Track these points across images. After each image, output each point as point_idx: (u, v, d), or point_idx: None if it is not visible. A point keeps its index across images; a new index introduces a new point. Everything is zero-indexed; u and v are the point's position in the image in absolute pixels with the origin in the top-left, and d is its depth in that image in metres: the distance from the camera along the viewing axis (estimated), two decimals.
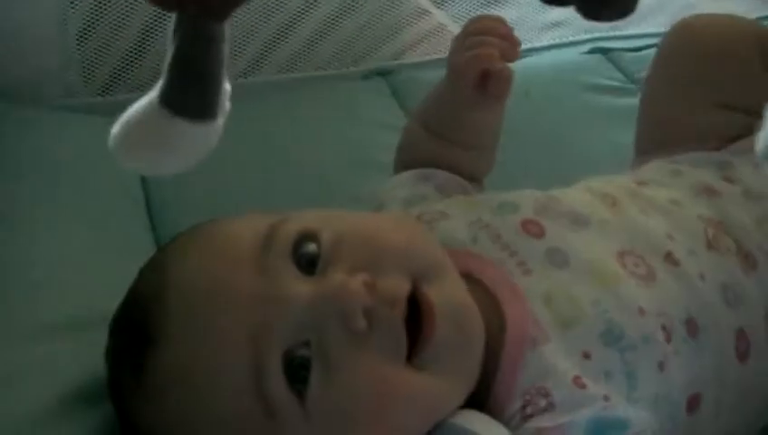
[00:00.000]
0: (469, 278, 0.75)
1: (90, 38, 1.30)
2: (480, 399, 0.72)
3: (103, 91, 1.34)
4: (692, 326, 0.76)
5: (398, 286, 0.67)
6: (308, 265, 0.68)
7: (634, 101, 1.36)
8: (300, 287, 0.66)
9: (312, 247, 0.68)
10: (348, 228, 0.70)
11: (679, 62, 1.05)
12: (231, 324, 0.65)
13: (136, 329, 0.69)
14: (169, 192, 1.11)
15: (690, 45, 1.04)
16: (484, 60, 0.84)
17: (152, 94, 0.62)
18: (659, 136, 1.04)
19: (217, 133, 0.64)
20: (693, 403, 0.75)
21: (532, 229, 0.79)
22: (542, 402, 0.70)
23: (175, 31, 0.60)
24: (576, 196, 0.85)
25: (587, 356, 0.72)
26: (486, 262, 0.77)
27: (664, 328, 0.75)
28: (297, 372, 0.64)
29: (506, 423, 0.70)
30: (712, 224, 0.84)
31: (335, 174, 1.17)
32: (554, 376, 0.70)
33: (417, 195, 0.89)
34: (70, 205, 1.01)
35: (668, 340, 0.74)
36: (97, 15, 1.29)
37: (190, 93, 0.61)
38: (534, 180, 0.89)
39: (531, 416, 0.70)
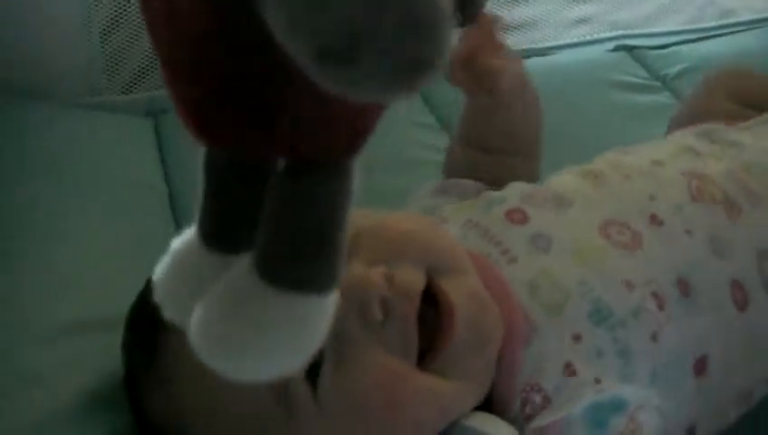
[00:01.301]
0: None
1: (113, 37, 1.31)
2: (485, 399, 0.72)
3: (127, 90, 1.34)
4: (684, 286, 0.76)
5: (415, 280, 0.67)
6: None
7: (658, 97, 1.36)
8: None
9: None
10: (366, 223, 0.70)
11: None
12: None
13: (149, 316, 0.70)
14: (193, 188, 1.11)
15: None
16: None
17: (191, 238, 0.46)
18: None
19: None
20: (700, 366, 0.75)
21: (516, 217, 0.79)
22: (538, 398, 0.70)
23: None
24: (560, 179, 0.86)
25: (577, 338, 0.72)
26: (475, 257, 0.76)
27: (655, 295, 0.74)
28: (311, 362, 0.64)
29: (511, 423, 0.70)
30: (695, 176, 0.84)
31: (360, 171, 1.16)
32: (545, 370, 0.71)
33: (430, 206, 0.90)
34: (93, 202, 1.01)
35: (661, 307, 0.74)
36: (120, 14, 1.30)
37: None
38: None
39: (531, 416, 0.70)
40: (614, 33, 1.54)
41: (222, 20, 0.35)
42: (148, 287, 0.73)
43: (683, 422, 0.75)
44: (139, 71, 1.34)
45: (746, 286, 0.78)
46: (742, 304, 0.78)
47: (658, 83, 1.40)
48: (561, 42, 1.53)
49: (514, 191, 0.84)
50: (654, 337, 0.73)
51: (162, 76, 0.39)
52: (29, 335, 0.80)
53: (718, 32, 1.55)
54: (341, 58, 0.30)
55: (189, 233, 0.46)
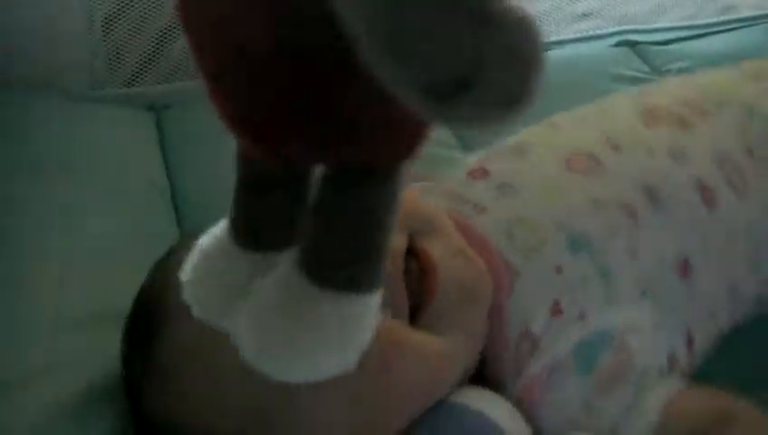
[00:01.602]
0: None
1: (116, 30, 1.30)
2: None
3: (129, 83, 1.34)
4: (650, 192, 0.78)
5: (396, 241, 0.68)
6: None
7: None
8: None
9: None
10: None
11: None
12: None
13: (149, 308, 0.70)
14: (195, 184, 1.11)
15: None
16: None
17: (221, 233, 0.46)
18: None
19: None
20: (683, 268, 0.76)
21: (478, 175, 0.81)
22: (527, 346, 0.71)
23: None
24: (516, 136, 0.87)
25: (559, 270, 0.73)
26: (450, 217, 0.77)
27: (624, 206, 0.76)
28: None
29: (506, 386, 0.71)
30: (644, 104, 0.88)
31: None
32: (532, 311, 0.71)
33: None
34: (93, 197, 1.01)
35: (632, 215, 0.76)
36: (123, 7, 1.30)
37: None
38: None
39: (521, 372, 0.71)
40: (617, 29, 1.53)
41: (291, 37, 0.35)
42: (148, 282, 0.73)
43: (680, 330, 0.76)
44: (141, 64, 1.34)
45: (710, 185, 0.80)
46: (709, 201, 0.79)
47: (660, 79, 1.40)
48: (564, 37, 1.53)
49: (473, 157, 0.87)
50: (632, 253, 0.75)
51: (208, 92, 0.38)
52: (34, 329, 0.80)
53: (720, 28, 1.55)
54: (447, 94, 0.29)
55: (216, 230, 0.46)
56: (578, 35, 1.54)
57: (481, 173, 0.81)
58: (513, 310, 0.72)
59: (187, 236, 0.76)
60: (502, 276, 0.73)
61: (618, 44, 1.50)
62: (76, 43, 1.27)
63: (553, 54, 1.45)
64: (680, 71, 1.40)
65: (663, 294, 0.75)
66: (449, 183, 0.82)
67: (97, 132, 1.14)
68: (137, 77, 1.34)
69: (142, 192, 1.07)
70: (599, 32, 1.54)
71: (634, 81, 1.39)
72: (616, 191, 0.77)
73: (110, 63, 1.32)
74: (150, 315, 0.69)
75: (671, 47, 1.48)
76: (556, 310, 0.71)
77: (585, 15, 1.55)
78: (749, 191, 0.82)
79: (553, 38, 1.51)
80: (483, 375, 0.73)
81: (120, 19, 1.30)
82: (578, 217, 0.76)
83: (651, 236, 0.76)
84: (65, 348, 0.79)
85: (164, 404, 0.69)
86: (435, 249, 0.69)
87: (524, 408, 0.70)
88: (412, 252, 0.69)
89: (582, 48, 1.49)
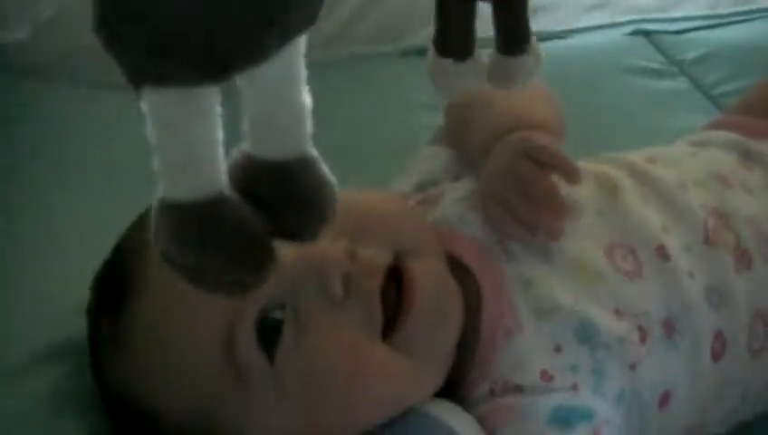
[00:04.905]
0: (455, 262, 0.75)
1: None
2: (449, 383, 0.72)
3: None
4: (669, 327, 0.75)
5: (379, 257, 0.68)
6: None
7: (674, 83, 1.36)
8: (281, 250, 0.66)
9: None
10: (340, 198, 0.70)
11: None
12: None
13: (117, 281, 0.70)
14: None
15: None
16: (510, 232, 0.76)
17: None
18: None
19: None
20: (664, 399, 0.75)
21: None
22: (508, 386, 0.71)
23: None
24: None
25: (558, 349, 0.72)
26: (473, 246, 0.76)
27: (640, 329, 0.74)
28: (270, 334, 0.65)
29: (474, 404, 0.71)
30: (715, 215, 0.80)
31: (372, 154, 1.16)
32: (523, 370, 0.71)
33: (432, 174, 0.89)
34: (102, 187, 1.01)
35: (643, 340, 0.74)
36: None
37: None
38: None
39: (496, 395, 0.71)
40: (631, 18, 1.52)
41: None
42: (116, 250, 0.73)
43: None
44: None
45: (729, 340, 0.77)
46: (718, 354, 0.76)
47: (675, 69, 1.39)
48: (579, 25, 1.52)
49: None
50: (632, 366, 0.73)
51: None
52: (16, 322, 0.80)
53: (735, 18, 1.54)
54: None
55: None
56: (592, 24, 1.52)
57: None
58: (506, 354, 0.72)
59: None
60: (504, 314, 0.73)
61: (632, 33, 1.49)
62: (86, 29, 1.26)
63: (567, 43, 1.44)
64: (695, 60, 1.39)
65: (637, 412, 0.74)
66: None
67: (107, 118, 1.14)
68: None
69: (150, 178, 1.06)
70: (612, 20, 1.53)
71: (648, 71, 1.38)
72: (640, 310, 0.74)
73: None
74: (123, 279, 0.69)
75: (686, 36, 1.47)
76: (547, 377, 0.71)
77: (598, 6, 1.53)
78: (761, 358, 0.79)
79: (567, 27, 1.50)
80: (451, 379, 0.73)
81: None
82: (596, 312, 0.73)
83: (651, 364, 0.74)
84: (53, 338, 0.78)
85: (121, 376, 0.69)
86: (419, 271, 0.69)
87: (486, 427, 0.70)
88: (394, 269, 0.69)
89: (596, 37, 1.48)
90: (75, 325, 0.75)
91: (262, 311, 0.65)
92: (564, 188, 0.77)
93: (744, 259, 0.79)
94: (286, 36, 0.37)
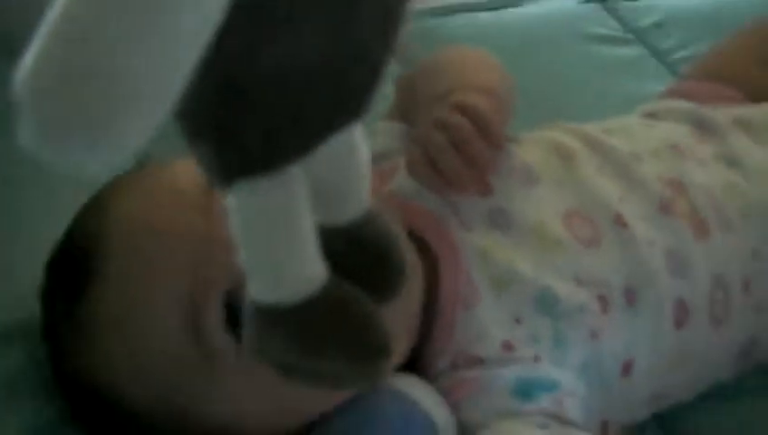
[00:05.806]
0: (411, 234, 0.74)
1: None
2: (411, 359, 0.72)
3: None
4: (630, 296, 0.75)
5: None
6: None
7: (631, 50, 1.35)
8: None
9: None
10: None
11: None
12: (172, 262, 0.64)
13: (74, 266, 0.68)
14: None
15: None
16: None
17: None
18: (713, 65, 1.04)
19: None
20: (626, 368, 0.75)
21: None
22: (469, 359, 0.71)
23: None
24: (534, 150, 0.83)
25: (518, 320, 0.72)
26: (429, 218, 0.76)
27: (601, 298, 0.74)
28: (237, 315, 0.64)
29: (436, 378, 0.71)
30: (671, 185, 0.81)
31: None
32: (484, 341, 0.71)
33: (388, 149, 0.87)
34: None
35: (604, 310, 0.74)
36: None
37: None
38: (531, 131, 0.88)
39: (458, 367, 0.71)
40: None
41: None
42: (70, 234, 0.71)
43: (600, 415, 0.75)
44: None
45: (690, 308, 0.77)
46: (680, 323, 0.77)
47: (631, 36, 1.39)
48: None
49: None
50: (594, 335, 0.73)
51: None
52: None
53: None
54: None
55: None
56: None
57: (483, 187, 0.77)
58: (466, 325, 0.72)
59: (120, 177, 0.71)
60: (460, 286, 0.73)
61: (587, 1, 1.49)
62: None
63: (522, 12, 1.43)
64: (651, 27, 1.39)
65: (599, 382, 0.74)
66: None
67: None
68: None
69: None
70: None
71: (603, 39, 1.38)
72: (600, 279, 0.75)
73: None
74: (80, 264, 0.67)
75: (642, 2, 1.46)
76: (507, 347, 0.71)
77: None
78: (722, 327, 0.79)
79: None
80: (414, 355, 0.73)
81: None
82: (555, 281, 0.73)
83: (613, 332, 0.74)
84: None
85: (82, 362, 0.67)
86: None
87: (449, 400, 0.70)
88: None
89: (551, 4, 1.47)
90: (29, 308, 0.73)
91: (227, 292, 0.63)
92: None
93: (701, 228, 0.80)
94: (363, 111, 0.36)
